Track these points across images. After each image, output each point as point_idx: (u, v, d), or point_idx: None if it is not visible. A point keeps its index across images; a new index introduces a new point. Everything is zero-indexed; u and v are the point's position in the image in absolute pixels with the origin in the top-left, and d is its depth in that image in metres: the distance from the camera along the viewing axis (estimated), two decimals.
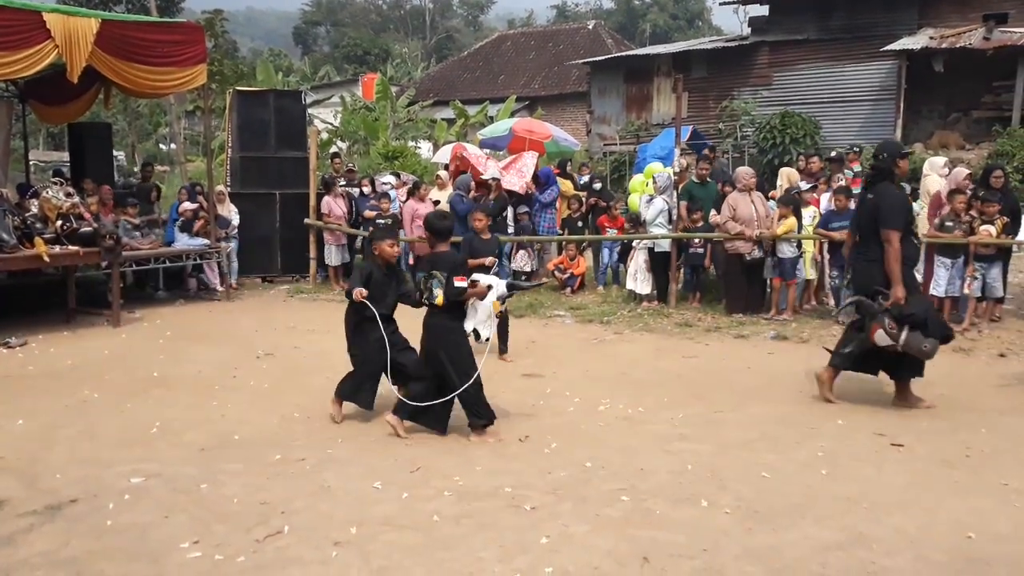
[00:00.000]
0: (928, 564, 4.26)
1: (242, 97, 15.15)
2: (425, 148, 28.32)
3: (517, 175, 13.54)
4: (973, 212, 9.72)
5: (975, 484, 5.34)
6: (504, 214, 12.92)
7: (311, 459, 5.85)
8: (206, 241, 13.06)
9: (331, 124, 30.22)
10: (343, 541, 4.53)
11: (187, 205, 13.14)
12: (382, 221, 13.32)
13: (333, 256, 13.98)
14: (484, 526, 4.71)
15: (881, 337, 6.65)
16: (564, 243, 13.31)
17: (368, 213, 13.69)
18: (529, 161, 13.83)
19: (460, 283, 6.28)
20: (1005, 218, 9.63)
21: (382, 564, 4.28)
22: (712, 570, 4.21)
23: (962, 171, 10.76)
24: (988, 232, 9.50)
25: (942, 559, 4.31)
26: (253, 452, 6.02)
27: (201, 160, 25.16)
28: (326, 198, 13.97)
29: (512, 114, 27.54)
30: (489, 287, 6.59)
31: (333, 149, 26.80)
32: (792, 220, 10.48)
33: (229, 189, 14.57)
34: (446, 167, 15.46)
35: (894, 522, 4.75)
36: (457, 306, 6.40)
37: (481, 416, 6.33)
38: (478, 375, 6.30)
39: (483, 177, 13.29)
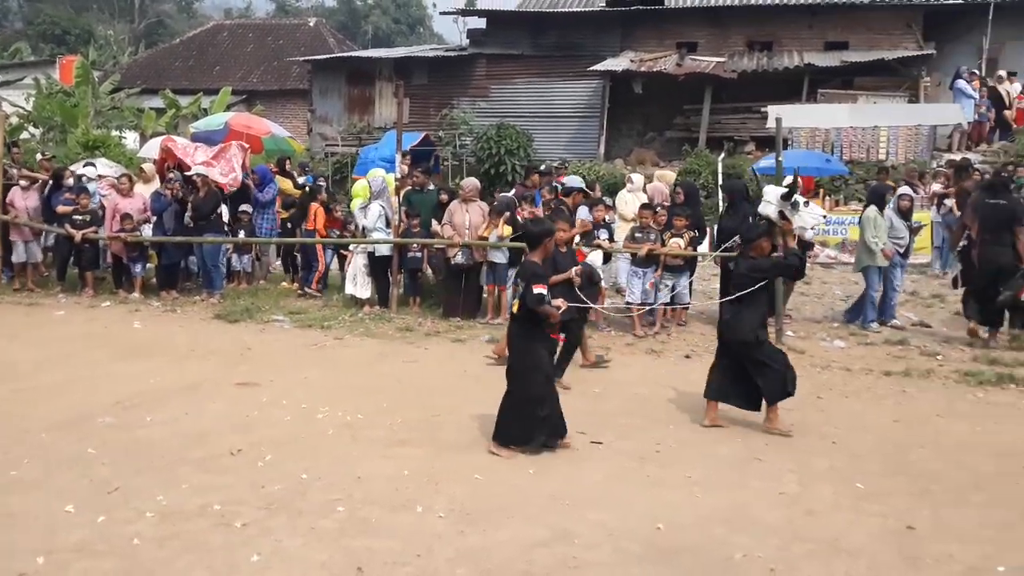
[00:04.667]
0: (625, 555, 4.61)
1: None
2: (131, 138, 26.43)
3: (227, 165, 12.90)
4: (653, 223, 10.59)
5: (664, 478, 5.85)
6: (219, 212, 12.38)
7: None
8: None
9: (23, 108, 27.40)
10: (29, 572, 4.14)
11: None
12: (79, 218, 12.32)
13: (21, 253, 12.67)
14: (190, 547, 4.49)
15: None
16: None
17: (62, 208, 12.55)
18: (237, 152, 13.26)
19: (539, 289, 6.13)
20: (692, 232, 10.61)
21: None
22: (425, 575, 4.30)
23: (659, 185, 11.82)
24: (677, 244, 10.43)
25: (637, 550, 4.68)
26: None
27: None
28: (13, 190, 12.65)
29: (228, 107, 26.40)
30: None
31: (24, 135, 24.31)
32: (507, 228, 10.89)
33: None
34: (154, 161, 14.54)
35: (594, 517, 5.09)
36: (531, 317, 6.22)
37: (509, 430, 6.22)
38: (531, 396, 6.18)
39: (189, 173, 12.62)
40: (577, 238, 9.63)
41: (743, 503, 5.41)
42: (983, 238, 9.76)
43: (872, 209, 10.73)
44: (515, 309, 6.41)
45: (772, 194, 7.68)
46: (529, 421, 6.21)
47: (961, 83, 19.97)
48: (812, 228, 7.78)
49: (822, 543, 4.86)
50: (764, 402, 6.91)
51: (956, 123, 19.78)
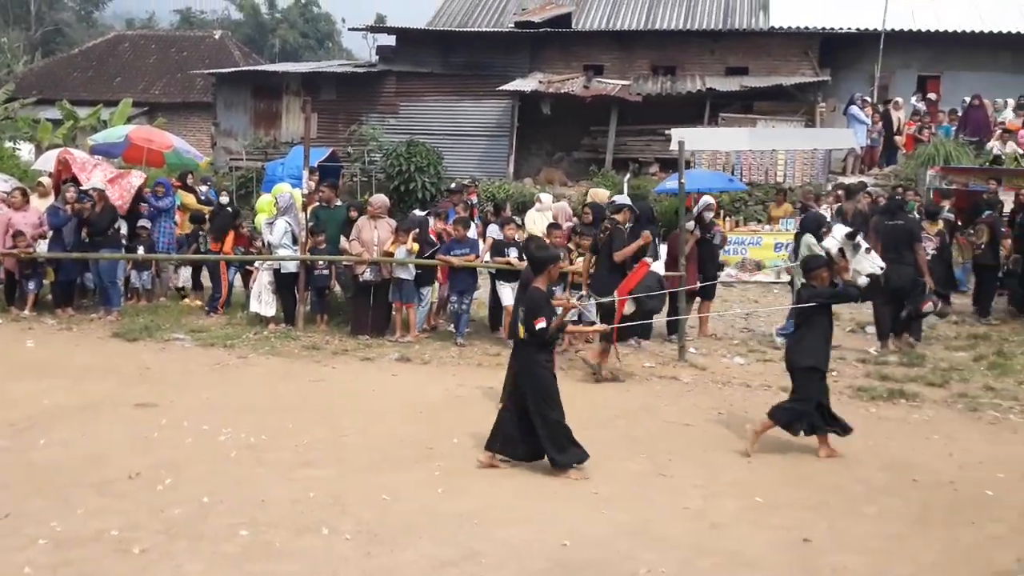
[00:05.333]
0: (530, 574, 4.64)
1: None
2: (26, 150, 25.46)
3: (120, 191, 12.59)
4: (571, 245, 10.76)
5: (571, 494, 5.91)
6: (116, 227, 12.03)
7: None
8: None
9: None
10: None
11: None
12: None
13: None
14: (86, 575, 4.33)
15: (929, 307, 9.82)
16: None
17: None
18: (135, 181, 13.00)
19: (540, 324, 6.08)
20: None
21: None
22: None
23: (563, 205, 11.98)
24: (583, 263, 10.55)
25: (542, 567, 4.72)
26: None
27: None
28: None
29: (129, 120, 25.66)
30: None
31: None
32: (414, 246, 10.88)
33: None
34: (51, 174, 14.04)
35: (502, 535, 5.11)
36: (540, 340, 6.25)
37: (565, 452, 6.19)
38: (559, 415, 6.24)
39: (85, 187, 12.23)
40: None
41: (649, 518, 5.51)
42: (886, 257, 10.27)
43: (809, 236, 10.98)
44: (521, 335, 6.36)
45: (839, 232, 8.12)
46: (569, 436, 6.29)
47: (854, 109, 20.82)
48: (866, 276, 8.10)
49: (724, 556, 4.99)
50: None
51: (850, 147, 20.61)
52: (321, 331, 11.22)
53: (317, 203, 11.96)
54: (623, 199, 10.51)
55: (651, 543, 5.11)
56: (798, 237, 10.91)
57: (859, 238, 8.23)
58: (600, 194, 12.63)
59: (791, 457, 6.88)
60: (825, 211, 15.41)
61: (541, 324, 6.15)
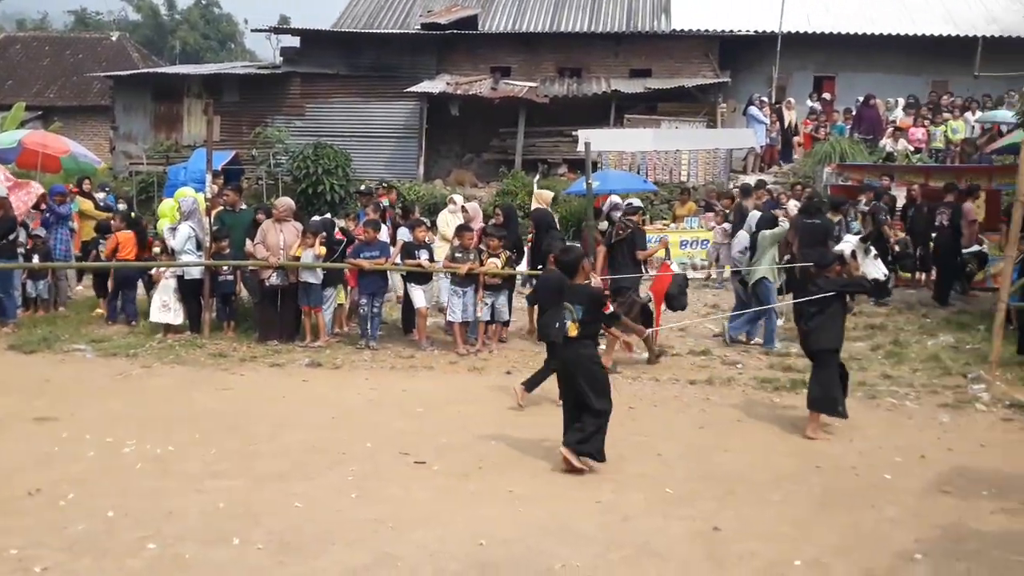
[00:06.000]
0: (446, 575, 4.65)
1: None
2: None
3: (16, 202, 12.18)
4: (483, 246, 10.80)
5: (487, 493, 5.94)
6: (14, 236, 11.56)
7: None
8: None
9: None
10: None
11: None
12: None
13: None
14: None
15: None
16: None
17: None
18: (34, 192, 12.58)
19: (609, 310, 6.67)
20: (508, 252, 10.83)
21: None
22: None
23: (475, 206, 12.00)
24: (495, 264, 10.61)
25: (458, 568, 4.74)
26: None
27: None
28: None
29: (22, 124, 24.65)
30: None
31: None
32: (321, 249, 10.74)
33: None
34: None
35: (417, 538, 5.11)
36: (589, 335, 6.54)
37: (589, 442, 6.36)
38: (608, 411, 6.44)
39: None
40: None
41: (563, 514, 5.57)
42: (803, 252, 10.65)
43: (764, 231, 11.19)
44: (572, 333, 6.46)
45: (853, 238, 8.85)
46: (603, 435, 6.45)
47: (753, 109, 21.43)
48: (873, 279, 8.60)
49: (635, 548, 5.09)
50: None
51: (750, 147, 21.19)
52: (228, 338, 11.00)
53: (221, 207, 11.72)
54: (638, 202, 11.08)
55: (565, 538, 5.17)
56: (754, 234, 11.14)
57: (869, 244, 8.83)
58: (544, 195, 12.62)
59: (698, 448, 7.04)
60: (720, 211, 15.81)
61: (610, 309, 6.75)
